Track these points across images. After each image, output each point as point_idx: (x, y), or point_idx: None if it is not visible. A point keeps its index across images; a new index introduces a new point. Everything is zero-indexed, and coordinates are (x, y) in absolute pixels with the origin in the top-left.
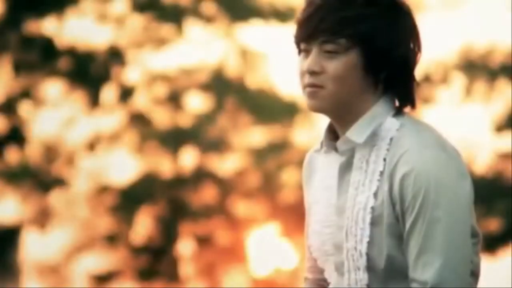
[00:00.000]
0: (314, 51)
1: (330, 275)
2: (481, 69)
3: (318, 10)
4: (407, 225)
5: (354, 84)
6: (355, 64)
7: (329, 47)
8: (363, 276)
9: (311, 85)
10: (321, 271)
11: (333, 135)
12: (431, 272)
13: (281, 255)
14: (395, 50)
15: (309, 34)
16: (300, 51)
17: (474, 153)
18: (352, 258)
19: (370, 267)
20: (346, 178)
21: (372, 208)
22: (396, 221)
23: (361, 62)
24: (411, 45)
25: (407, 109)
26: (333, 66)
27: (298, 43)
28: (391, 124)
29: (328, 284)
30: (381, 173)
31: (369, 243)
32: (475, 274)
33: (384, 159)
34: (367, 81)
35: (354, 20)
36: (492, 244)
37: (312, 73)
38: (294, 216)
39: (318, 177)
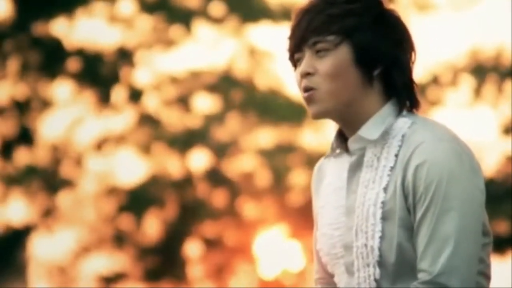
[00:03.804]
0: (307, 54)
1: (340, 279)
2: (490, 71)
3: (305, 15)
4: (418, 215)
5: (347, 81)
6: (345, 60)
7: (319, 46)
8: (372, 272)
9: (305, 89)
10: (332, 283)
11: (343, 138)
12: (439, 261)
13: (289, 257)
14: (382, 44)
15: (300, 39)
16: (295, 64)
17: (482, 155)
18: (361, 255)
19: (380, 263)
20: (355, 177)
21: (383, 202)
22: (408, 213)
23: (351, 57)
24: (402, 45)
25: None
26: (324, 64)
27: (292, 55)
28: (402, 122)
29: None
30: (392, 168)
31: (380, 238)
32: (487, 276)
33: (396, 155)
34: (362, 78)
35: (340, 17)
36: (501, 245)
37: (305, 75)
38: (302, 217)
39: (327, 181)
